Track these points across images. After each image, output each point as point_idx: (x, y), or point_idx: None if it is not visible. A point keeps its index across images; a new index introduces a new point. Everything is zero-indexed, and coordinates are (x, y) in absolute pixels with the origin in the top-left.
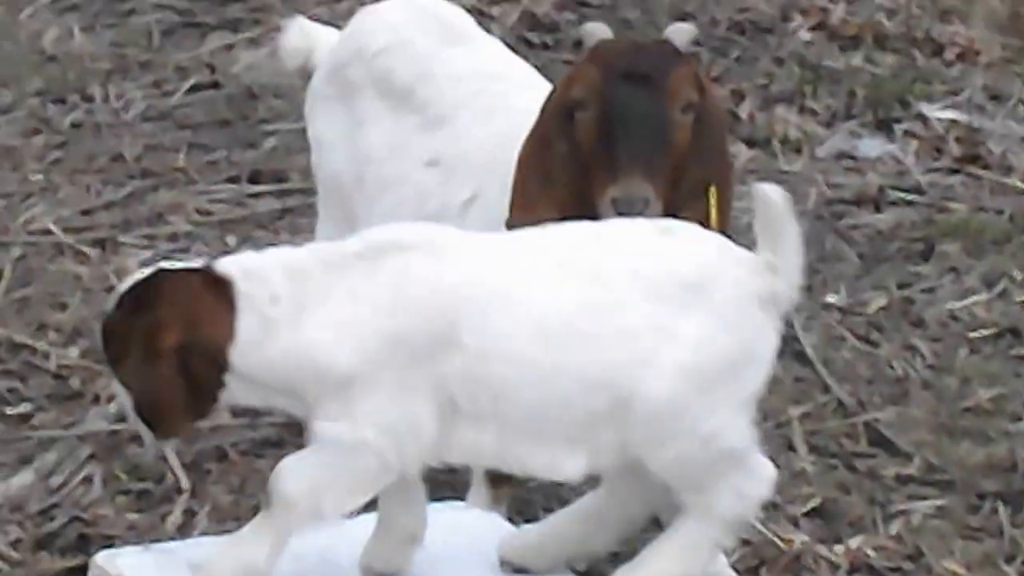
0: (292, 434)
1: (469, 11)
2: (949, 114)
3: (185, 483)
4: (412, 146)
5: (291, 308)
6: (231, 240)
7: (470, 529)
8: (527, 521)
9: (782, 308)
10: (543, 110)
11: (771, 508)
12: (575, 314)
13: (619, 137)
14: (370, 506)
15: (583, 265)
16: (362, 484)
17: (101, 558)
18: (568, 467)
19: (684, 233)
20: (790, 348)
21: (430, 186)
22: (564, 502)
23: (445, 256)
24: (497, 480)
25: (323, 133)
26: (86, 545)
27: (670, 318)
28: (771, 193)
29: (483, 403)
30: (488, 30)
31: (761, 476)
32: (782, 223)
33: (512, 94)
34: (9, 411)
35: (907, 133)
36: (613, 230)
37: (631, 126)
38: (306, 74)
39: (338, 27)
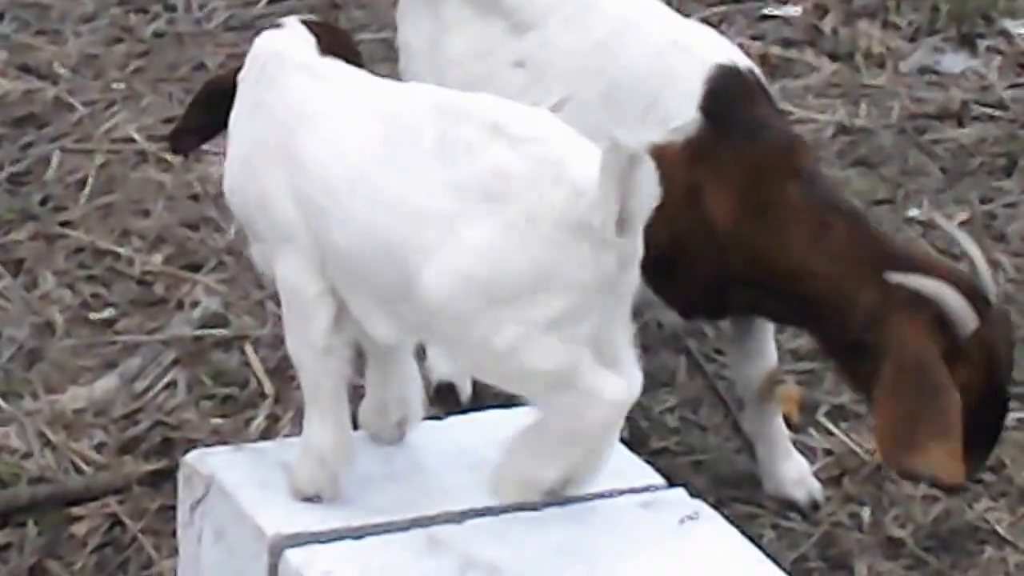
0: None
1: None
2: None
3: (269, 388)
4: (498, 50)
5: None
6: None
7: None
8: None
9: (608, 240)
10: (899, 339)
11: (853, 418)
12: (390, 178)
13: (995, 425)
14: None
15: (416, 136)
16: (305, 307)
17: (192, 457)
18: (379, 329)
19: (514, 135)
20: None
21: (517, 86)
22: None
23: (320, 80)
24: None
25: (411, 40)
26: (170, 449)
27: (460, 218)
28: (623, 143)
29: (317, 229)
30: None
31: (599, 398)
32: (631, 174)
33: None
34: (93, 316)
35: (990, 48)
36: (455, 110)
37: (1000, 420)
38: None
39: None
